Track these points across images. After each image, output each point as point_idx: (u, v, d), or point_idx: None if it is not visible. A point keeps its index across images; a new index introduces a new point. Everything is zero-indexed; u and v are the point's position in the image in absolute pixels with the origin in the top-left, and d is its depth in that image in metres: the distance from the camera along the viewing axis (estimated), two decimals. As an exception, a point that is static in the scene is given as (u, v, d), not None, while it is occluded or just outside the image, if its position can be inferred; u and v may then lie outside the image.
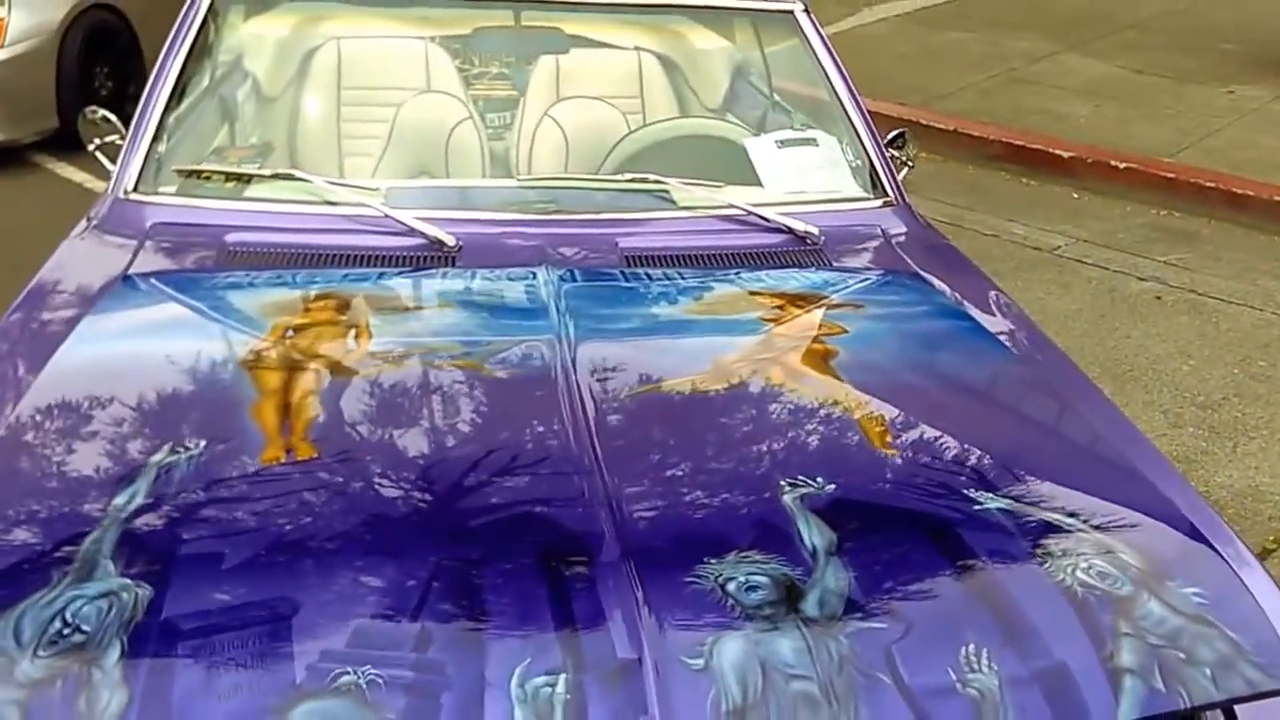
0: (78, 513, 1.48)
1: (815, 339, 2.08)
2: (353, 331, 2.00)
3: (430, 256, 2.34)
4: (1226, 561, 1.58)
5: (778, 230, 2.54)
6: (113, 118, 2.81)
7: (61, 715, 1.23)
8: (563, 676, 1.26)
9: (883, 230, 2.64)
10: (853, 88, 2.92)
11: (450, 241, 2.36)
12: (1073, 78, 7.25)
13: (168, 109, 2.64)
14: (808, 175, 2.74)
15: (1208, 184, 5.67)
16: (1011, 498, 1.62)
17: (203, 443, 1.61)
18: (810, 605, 1.37)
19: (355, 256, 2.34)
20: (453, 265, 2.31)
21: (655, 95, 3.06)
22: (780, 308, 2.20)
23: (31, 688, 1.24)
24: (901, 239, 2.63)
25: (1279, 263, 5.11)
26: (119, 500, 1.49)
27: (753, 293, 2.24)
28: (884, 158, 2.83)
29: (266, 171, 2.58)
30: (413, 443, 1.67)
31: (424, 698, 1.24)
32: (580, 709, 1.23)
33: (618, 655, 1.28)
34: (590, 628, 1.31)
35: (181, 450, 1.59)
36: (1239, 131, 6.40)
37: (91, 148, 2.80)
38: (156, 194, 2.54)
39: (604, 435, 1.66)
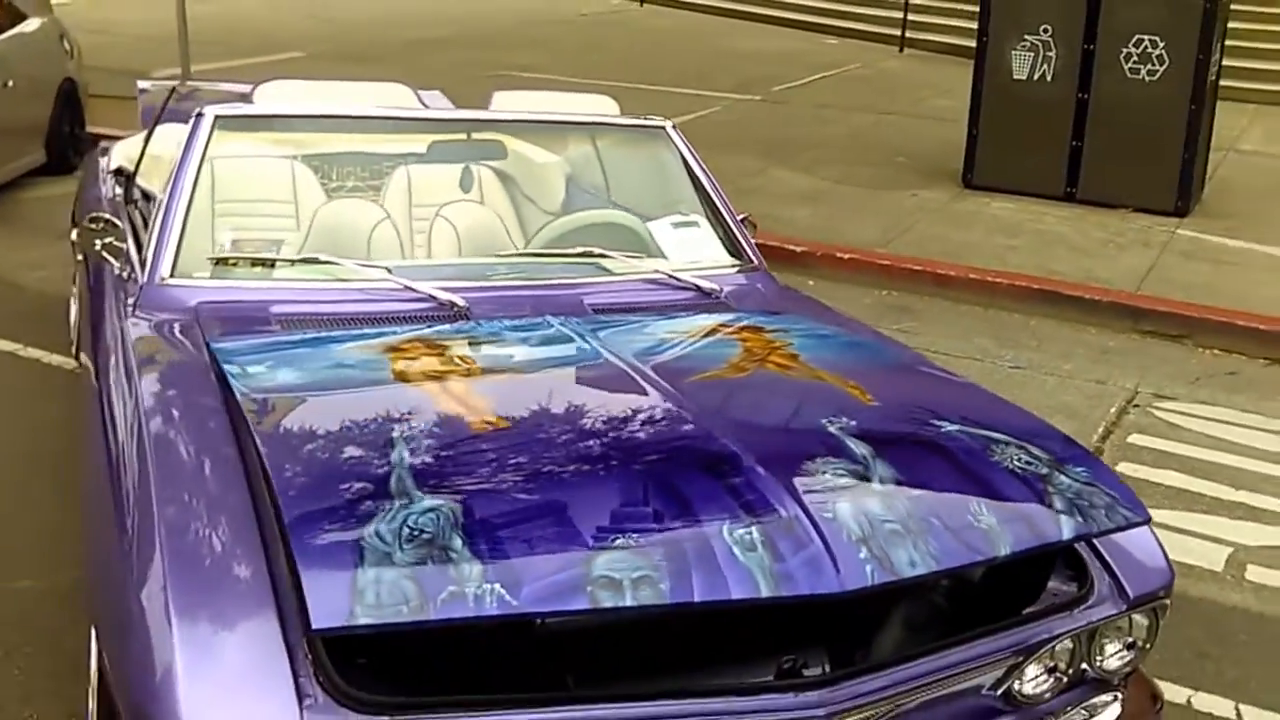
0: (373, 470, 2.01)
1: (778, 348, 2.84)
2: (453, 357, 2.59)
3: (449, 315, 2.95)
4: (1083, 449, 2.46)
5: (688, 288, 3.31)
6: (116, 221, 3.25)
7: (432, 583, 1.78)
8: (753, 527, 1.93)
9: (758, 286, 3.46)
10: (715, 182, 3.75)
11: (461, 303, 2.98)
12: (786, 188, 8.46)
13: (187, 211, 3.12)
14: (696, 248, 3.53)
15: (917, 268, 6.89)
16: (957, 423, 2.43)
17: (423, 422, 2.18)
18: (877, 482, 2.11)
19: (388, 317, 2.91)
20: (465, 321, 2.93)
21: (566, 192, 3.77)
22: (736, 333, 2.96)
23: (410, 565, 1.79)
24: (774, 291, 3.46)
25: (987, 325, 6.33)
26: (393, 457, 2.04)
27: (714, 326, 2.99)
28: (744, 234, 3.66)
29: (295, 256, 3.10)
30: (571, 412, 2.31)
31: (673, 545, 1.88)
32: (769, 543, 1.91)
33: (781, 514, 1.97)
34: (759, 500, 1.99)
35: (412, 427, 2.15)
36: (928, 226, 7.73)
37: (98, 246, 3.22)
38: (191, 278, 3.01)
39: (689, 401, 2.35)
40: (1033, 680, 2.26)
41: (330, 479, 2.01)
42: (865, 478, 2.11)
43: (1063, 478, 2.27)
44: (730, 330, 2.98)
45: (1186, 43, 7.80)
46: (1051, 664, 2.28)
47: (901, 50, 14.85)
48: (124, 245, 3.23)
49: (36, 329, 5.34)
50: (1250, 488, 4.51)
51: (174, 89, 4.23)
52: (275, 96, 3.43)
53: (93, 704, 2.25)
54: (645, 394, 2.41)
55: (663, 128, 3.78)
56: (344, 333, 2.77)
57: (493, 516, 1.90)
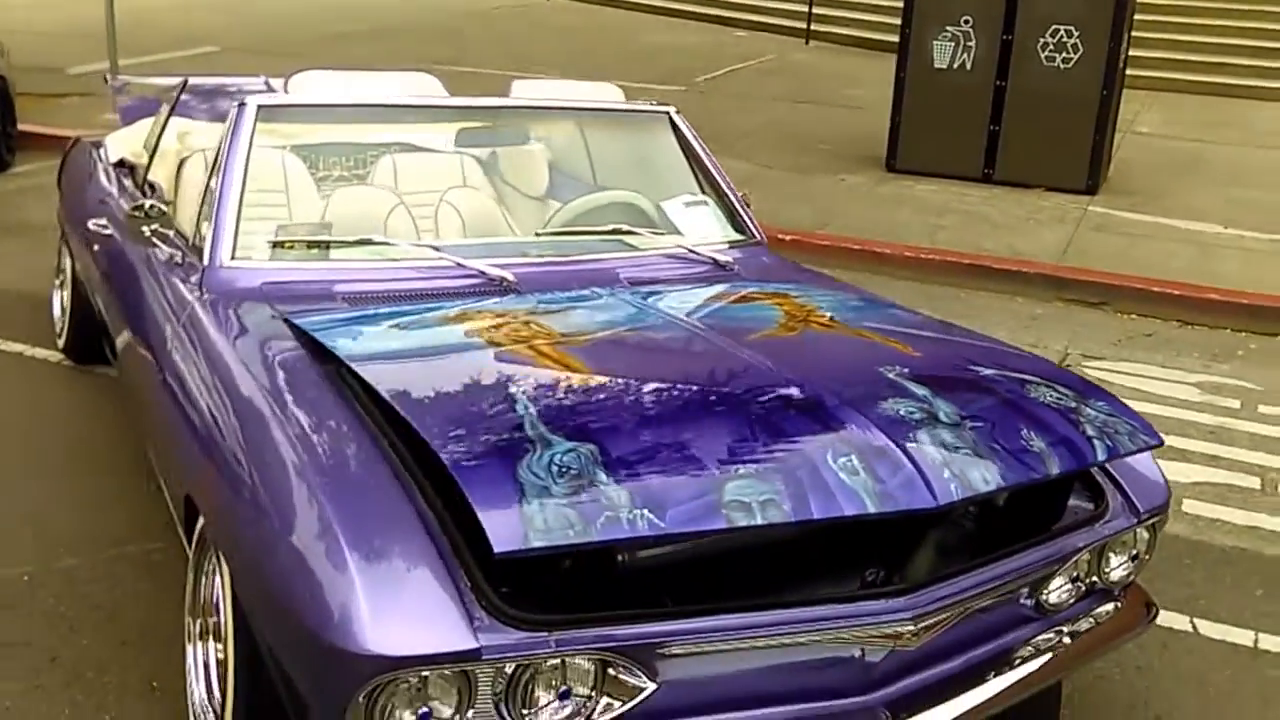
0: (505, 419, 2.27)
1: (811, 311, 3.15)
2: (531, 324, 2.84)
3: (499, 289, 3.20)
4: (1099, 387, 2.82)
5: (705, 261, 3.60)
6: (164, 207, 3.42)
7: (589, 510, 2.03)
8: (852, 455, 2.24)
9: (764, 259, 3.76)
10: (716, 163, 4.05)
11: (510, 278, 3.22)
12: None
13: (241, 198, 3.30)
14: (707, 225, 3.83)
15: (856, 247, 7.28)
16: (990, 368, 2.78)
17: (532, 378, 2.44)
18: (942, 416, 2.43)
19: (445, 292, 3.15)
20: (514, 294, 3.18)
21: (583, 175, 4.03)
22: (769, 300, 3.26)
23: (567, 496, 2.05)
24: (776, 263, 3.77)
25: (924, 298, 6.70)
26: (519, 409, 2.30)
27: (747, 294, 3.28)
28: (747, 211, 3.96)
29: (351, 238, 3.32)
30: (660, 366, 2.60)
31: (788, 473, 2.18)
32: (869, 468, 2.22)
33: (873, 444, 2.28)
34: (851, 433, 2.30)
35: (524, 383, 2.41)
36: (860, 208, 8.13)
37: (147, 233, 3.39)
38: (251, 261, 3.21)
39: (759, 355, 2.65)
40: (1057, 590, 2.61)
41: (470, 427, 2.25)
42: (932, 413, 2.43)
43: (1088, 409, 2.62)
44: (763, 298, 3.28)
45: (1100, 32, 8.34)
46: (1074, 574, 2.63)
47: (808, 42, 15.32)
48: (170, 231, 3.40)
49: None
50: (1177, 433, 4.95)
51: (185, 82, 4.36)
52: (309, 86, 3.62)
53: (225, 650, 2.43)
54: (719, 350, 2.71)
55: (667, 113, 4.05)
56: (413, 306, 2.99)
57: (626, 454, 2.17)
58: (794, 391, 2.45)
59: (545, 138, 4.09)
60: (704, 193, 3.94)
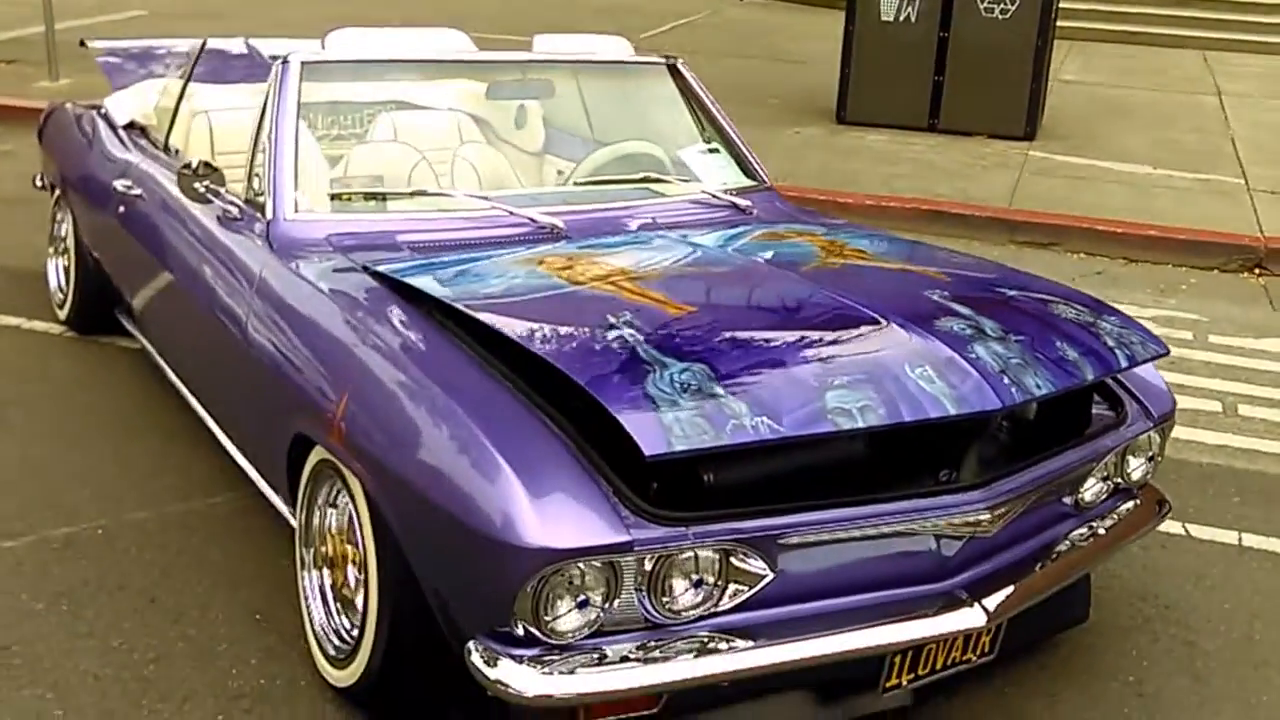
0: (616, 345, 2.49)
1: (841, 245, 3.41)
2: (602, 265, 3.05)
3: (551, 236, 3.40)
4: (1107, 304, 3.12)
5: (726, 205, 3.83)
6: (214, 164, 3.56)
7: (717, 419, 2.27)
8: (926, 366, 2.50)
9: (776, 203, 4.01)
10: (722, 111, 4.27)
11: (560, 225, 3.43)
12: (676, 130, 9.03)
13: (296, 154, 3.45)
14: (721, 171, 4.06)
15: (821, 197, 7.52)
16: (1014, 289, 3.07)
17: (626, 311, 2.66)
18: (989, 331, 2.70)
19: (504, 240, 3.34)
20: (565, 240, 3.38)
21: (603, 126, 4.23)
22: (799, 236, 3.51)
23: (694, 406, 2.30)
24: (788, 206, 4.02)
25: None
26: (626, 335, 2.53)
27: (778, 233, 3.53)
28: (755, 158, 4.20)
29: (407, 190, 3.49)
30: (736, 296, 2.87)
31: (876, 382, 2.44)
32: (943, 376, 2.49)
33: (940, 355, 2.55)
34: (918, 347, 2.57)
35: (621, 315, 2.63)
36: (817, 159, 8.41)
37: (201, 189, 3.52)
38: (314, 214, 3.37)
39: (818, 284, 2.90)
40: (1089, 489, 2.91)
41: (587, 354, 2.48)
42: (979, 329, 2.70)
43: (1104, 323, 2.93)
44: (795, 236, 3.53)
45: (1035, -18, 8.70)
46: (1103, 474, 2.93)
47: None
48: (222, 188, 3.53)
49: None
50: (1142, 363, 5.32)
51: (204, 44, 4.46)
52: (345, 43, 3.76)
53: (366, 572, 2.64)
54: (781, 279, 2.97)
55: (675, 64, 4.26)
56: (480, 253, 3.19)
57: (733, 371, 2.43)
58: (861, 313, 2.71)
59: (568, 91, 4.27)
60: (717, 140, 4.16)
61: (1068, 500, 2.87)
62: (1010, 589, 2.58)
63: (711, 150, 4.12)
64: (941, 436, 2.60)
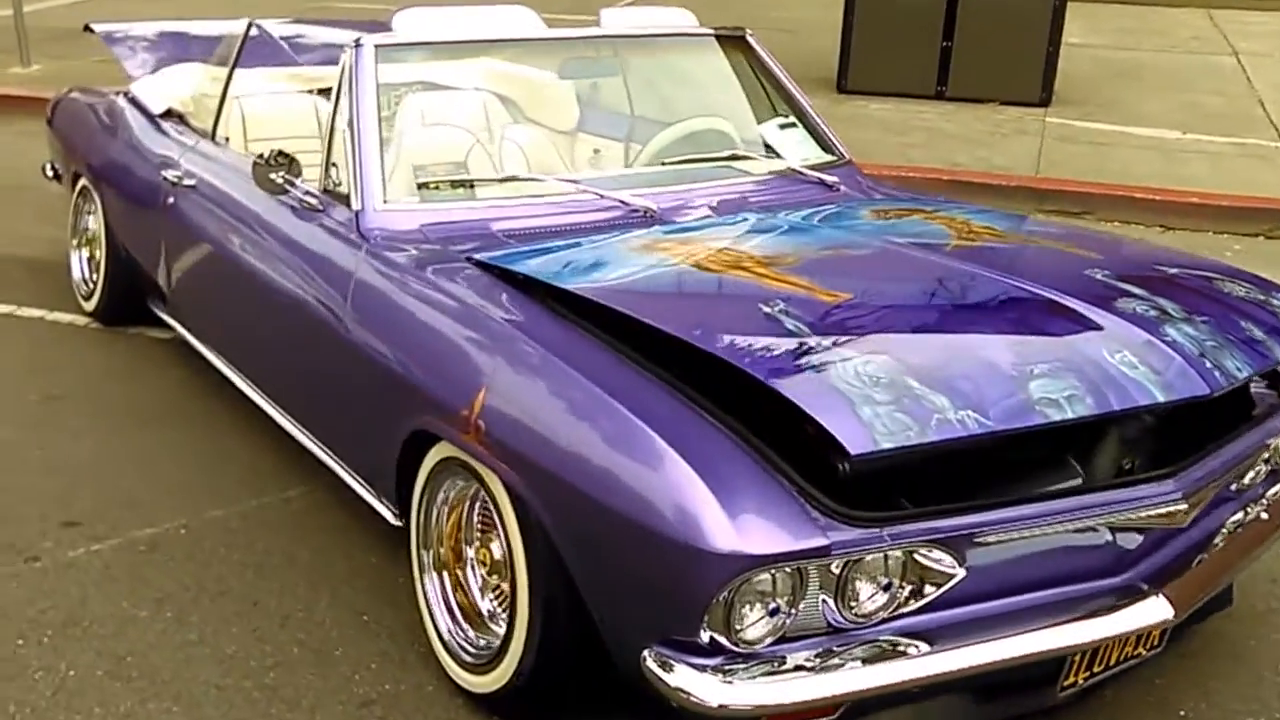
0: (783, 337, 2.35)
1: (965, 223, 3.26)
2: (721, 249, 2.89)
3: (644, 219, 3.24)
4: (1269, 280, 3.00)
5: (814, 182, 3.68)
6: (289, 154, 3.37)
7: (918, 413, 2.14)
8: (1125, 351, 2.38)
9: (858, 178, 3.86)
10: (795, 85, 4.11)
11: (654, 207, 3.27)
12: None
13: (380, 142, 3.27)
14: (801, 147, 3.90)
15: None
16: (1176, 268, 2.96)
17: (778, 298, 2.52)
18: (1172, 312, 2.58)
19: (598, 225, 3.18)
20: (660, 224, 3.22)
21: (677, 101, 4.06)
22: (912, 213, 3.36)
23: (891, 401, 2.16)
24: (872, 182, 3.87)
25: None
26: (789, 326, 2.40)
27: (881, 210, 3.37)
28: (830, 130, 4.04)
29: (496, 176, 3.31)
30: (889, 280, 2.72)
31: (1078, 370, 2.32)
32: (1145, 362, 2.37)
33: (1136, 339, 2.42)
34: (1111, 331, 2.44)
35: (774, 303, 2.49)
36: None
37: (278, 179, 3.33)
38: (402, 203, 3.19)
39: (968, 262, 2.76)
40: (1250, 473, 2.79)
41: (754, 348, 2.32)
42: (1163, 310, 2.58)
43: (1275, 300, 2.80)
44: (909, 212, 3.38)
45: (1049, -59, 8.56)
46: (1267, 456, 2.81)
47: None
48: (298, 179, 3.34)
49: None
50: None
51: (251, 24, 4.24)
52: (414, 24, 3.57)
53: (515, 580, 2.49)
54: (930, 263, 2.82)
55: (743, 35, 4.09)
56: (583, 240, 3.02)
57: (923, 362, 2.29)
58: (1035, 294, 2.58)
59: (640, 67, 4.09)
60: (792, 114, 4.01)
61: (1232, 486, 2.75)
62: (1191, 579, 2.47)
63: (789, 125, 3.96)
64: (1110, 425, 2.47)
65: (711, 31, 4.15)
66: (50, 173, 5.42)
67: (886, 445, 2.07)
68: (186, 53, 5.24)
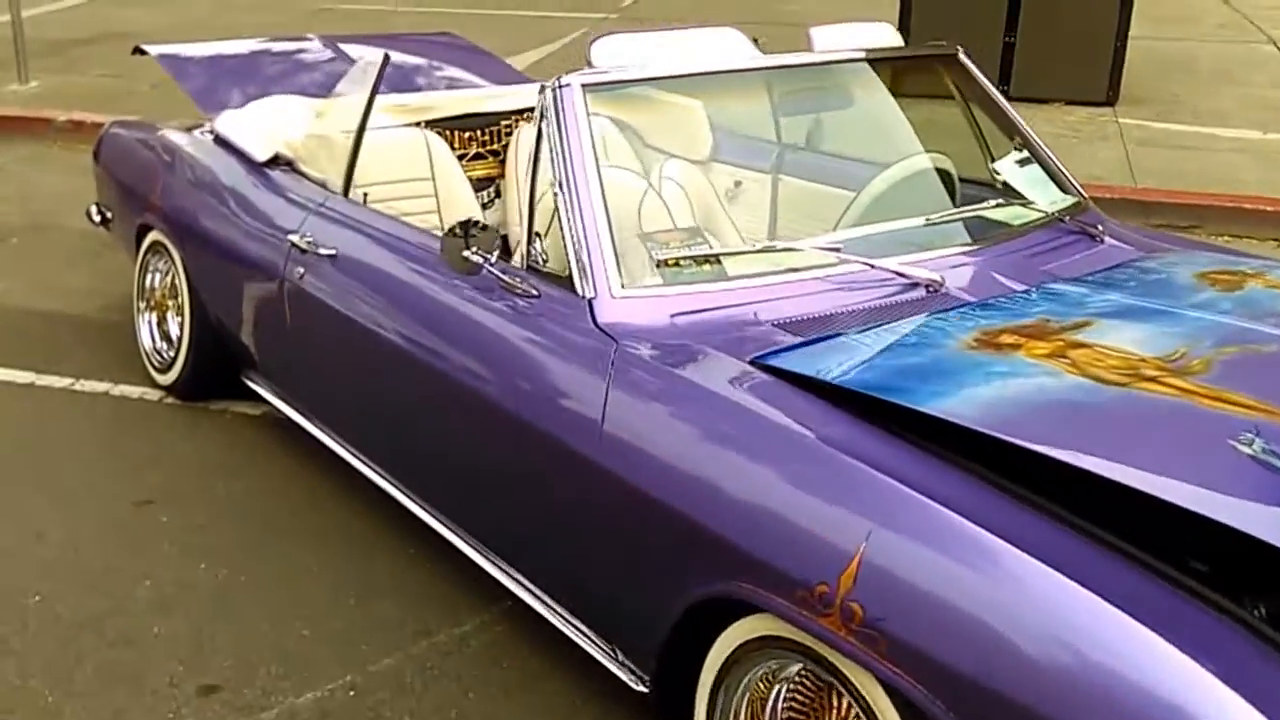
0: (1243, 454, 1.82)
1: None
2: (1077, 344, 2.32)
3: (932, 294, 2.67)
4: None
5: (1077, 232, 3.12)
6: (482, 223, 2.76)
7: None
8: None
9: (1114, 225, 3.30)
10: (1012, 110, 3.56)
11: (938, 279, 2.69)
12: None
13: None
14: (1044, 188, 3.34)
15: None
16: None
17: (1254, 434, 1.95)
18: None
19: (883, 306, 2.60)
20: (953, 301, 2.65)
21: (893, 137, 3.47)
22: (1241, 278, 2.80)
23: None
24: (1120, 226, 3.32)
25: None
26: (1244, 447, 1.86)
27: (1224, 276, 2.82)
28: (1059, 163, 3.48)
29: (753, 247, 2.72)
30: None
31: None
32: None
33: None
34: None
35: (1251, 436, 1.93)
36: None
37: (474, 257, 2.72)
38: (644, 286, 2.59)
39: None
40: None
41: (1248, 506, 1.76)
42: None
43: None
44: (1244, 278, 2.81)
45: (1118, -75, 8.04)
46: None
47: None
48: (493, 254, 2.73)
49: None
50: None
51: (387, 58, 3.56)
52: (614, 53, 2.96)
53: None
54: None
55: (955, 54, 3.52)
56: (886, 328, 2.44)
57: None
58: None
59: (857, 97, 3.50)
60: (1020, 146, 3.45)
61: None
62: None
63: (1025, 161, 3.40)
64: None
65: (925, 52, 3.59)
66: (97, 218, 4.73)
67: None
68: (257, 78, 4.60)
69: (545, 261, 2.72)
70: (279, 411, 3.78)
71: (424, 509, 3.08)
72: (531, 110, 4.19)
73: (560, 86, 2.78)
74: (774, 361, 2.32)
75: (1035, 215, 3.14)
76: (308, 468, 3.70)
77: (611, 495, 2.35)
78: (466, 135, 4.22)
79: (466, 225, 2.73)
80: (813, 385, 2.24)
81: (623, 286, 2.57)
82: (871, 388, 2.15)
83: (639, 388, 2.39)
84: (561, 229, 2.65)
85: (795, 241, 2.78)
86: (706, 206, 3.30)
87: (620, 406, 2.38)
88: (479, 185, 4.07)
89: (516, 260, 2.81)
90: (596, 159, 2.70)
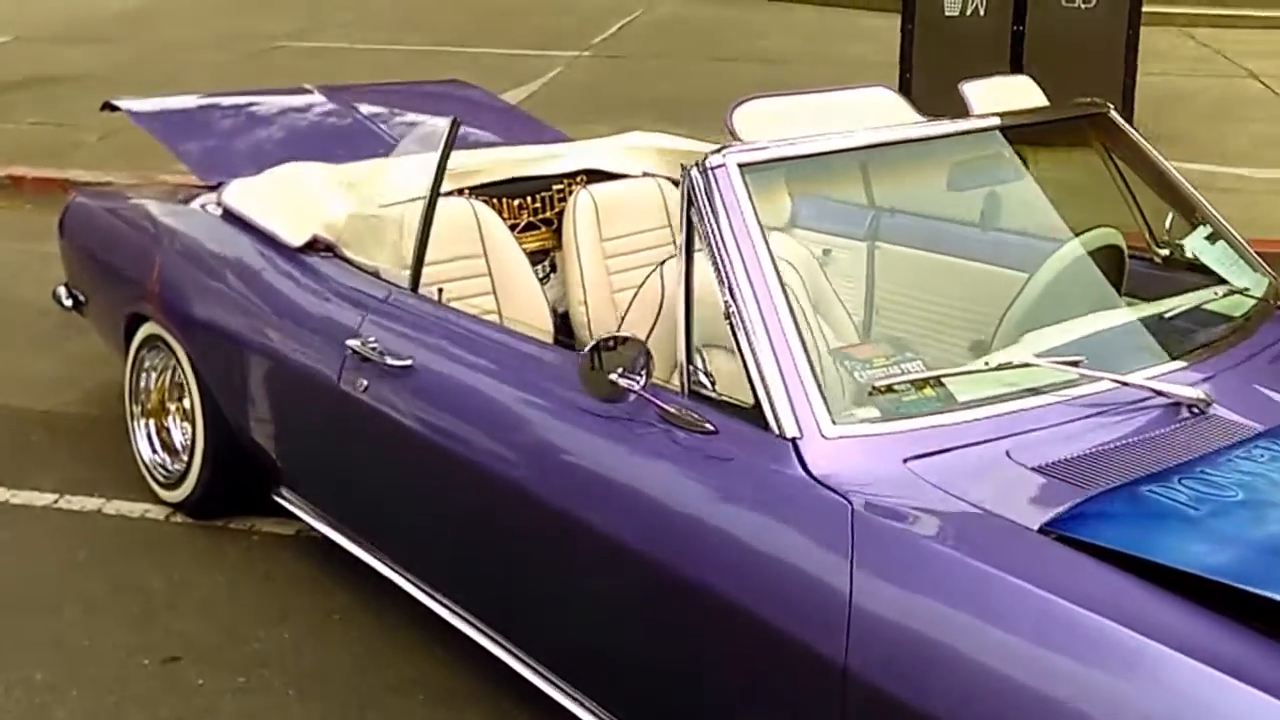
0: None
1: None
2: None
3: (1195, 415, 2.18)
4: None
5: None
6: (630, 338, 2.21)
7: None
8: None
9: None
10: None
11: (1201, 395, 2.20)
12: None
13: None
14: (1238, 265, 2.88)
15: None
16: None
17: None
18: None
19: (1148, 436, 2.11)
20: (1210, 420, 2.17)
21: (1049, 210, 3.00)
22: None
23: None
24: None
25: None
26: None
27: None
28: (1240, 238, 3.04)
29: (988, 365, 2.19)
30: None
31: None
32: None
33: None
34: None
35: None
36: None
37: (618, 381, 2.17)
38: (860, 423, 2.07)
39: None
40: None
41: None
42: None
43: None
44: None
45: (1120, -35, 7.72)
46: None
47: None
48: (642, 376, 2.18)
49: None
50: None
51: (455, 122, 2.99)
52: (758, 122, 2.42)
53: None
54: None
55: (1106, 112, 3.07)
56: (1206, 478, 1.93)
57: None
58: None
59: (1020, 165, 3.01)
60: (1203, 223, 3.00)
61: None
62: None
63: (1212, 236, 2.94)
64: None
65: (1078, 113, 3.12)
66: (69, 301, 4.09)
67: None
68: (258, 138, 4.04)
69: (713, 384, 2.18)
70: (317, 531, 3.19)
71: (536, 670, 2.51)
72: (586, 173, 3.73)
73: (711, 169, 2.25)
74: (1079, 533, 1.79)
75: (1250, 303, 2.67)
76: (369, 605, 3.10)
77: (829, 686, 1.82)
78: (516, 204, 3.66)
79: (612, 343, 2.18)
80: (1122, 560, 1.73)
81: (834, 423, 2.03)
82: (1235, 577, 1.64)
83: (900, 568, 1.84)
84: (739, 346, 2.12)
85: (1027, 352, 2.26)
86: (818, 289, 2.81)
87: (875, 598, 1.83)
88: (533, 259, 3.52)
89: (680, 384, 2.25)
90: (772, 256, 2.18)
